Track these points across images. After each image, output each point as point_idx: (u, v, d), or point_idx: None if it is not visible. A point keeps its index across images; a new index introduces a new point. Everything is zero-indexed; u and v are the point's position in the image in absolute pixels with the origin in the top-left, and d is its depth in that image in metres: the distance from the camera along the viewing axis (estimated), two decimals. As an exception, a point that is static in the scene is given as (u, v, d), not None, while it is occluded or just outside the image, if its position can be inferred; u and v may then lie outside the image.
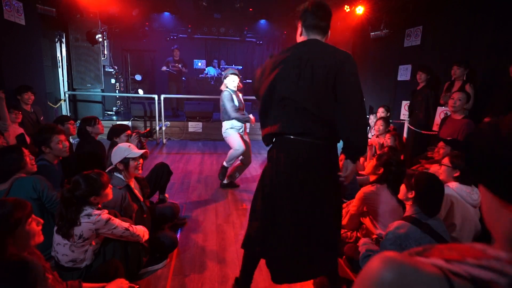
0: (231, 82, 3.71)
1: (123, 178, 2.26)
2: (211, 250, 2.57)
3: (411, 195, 1.79)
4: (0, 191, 2.01)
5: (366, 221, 2.45)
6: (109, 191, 1.95)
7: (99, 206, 1.91)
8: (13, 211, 1.36)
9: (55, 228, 1.82)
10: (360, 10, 6.20)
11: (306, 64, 1.60)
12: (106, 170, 2.22)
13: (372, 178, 2.50)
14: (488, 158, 0.41)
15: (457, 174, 2.26)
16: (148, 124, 6.97)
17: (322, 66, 1.56)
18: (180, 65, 7.76)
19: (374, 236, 2.34)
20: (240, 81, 3.80)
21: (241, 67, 9.68)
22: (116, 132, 3.02)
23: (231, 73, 3.72)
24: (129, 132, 3.08)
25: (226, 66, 9.78)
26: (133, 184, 2.38)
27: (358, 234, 2.51)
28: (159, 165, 3.11)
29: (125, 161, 2.25)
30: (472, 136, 0.44)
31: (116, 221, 1.87)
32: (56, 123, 3.29)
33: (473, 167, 0.42)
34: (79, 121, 3.77)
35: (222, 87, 3.79)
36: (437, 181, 1.78)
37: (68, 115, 6.26)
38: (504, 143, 0.39)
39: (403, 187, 1.88)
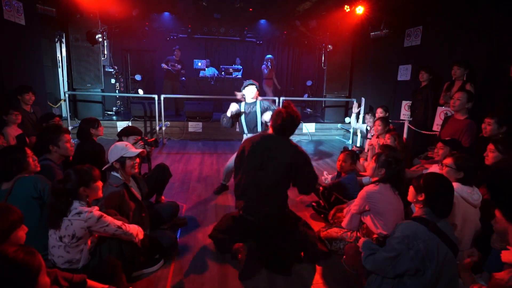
0: (249, 93, 3.61)
1: (119, 176, 2.26)
2: (211, 250, 2.57)
3: (421, 197, 1.75)
4: (3, 190, 2.03)
5: (367, 220, 2.44)
6: (99, 186, 1.95)
7: (89, 200, 1.91)
8: (8, 215, 1.39)
9: (50, 231, 1.82)
10: (360, 10, 6.20)
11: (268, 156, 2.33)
12: (103, 169, 2.22)
13: (374, 178, 2.50)
14: None
15: (461, 176, 2.23)
16: (148, 124, 6.97)
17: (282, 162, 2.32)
18: (179, 66, 7.90)
19: (375, 236, 2.33)
20: (259, 91, 3.69)
21: (241, 67, 9.67)
22: (127, 132, 2.96)
23: (249, 84, 3.62)
24: (139, 138, 3.03)
25: (227, 66, 9.76)
26: (130, 182, 2.38)
27: (358, 234, 2.51)
28: (160, 166, 3.11)
29: (122, 160, 2.25)
30: (500, 175, 0.43)
31: (109, 219, 1.85)
32: (41, 122, 3.28)
33: (502, 204, 0.42)
34: (79, 121, 3.75)
35: (239, 97, 3.73)
36: (447, 181, 1.76)
37: (68, 115, 6.26)
38: None
39: (411, 190, 1.84)
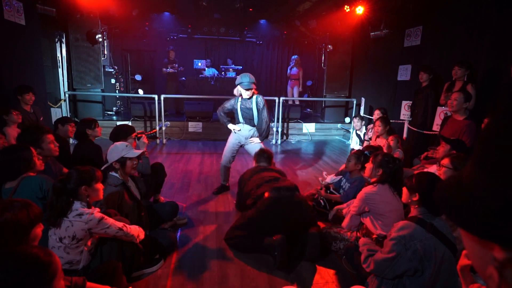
0: (245, 94, 3.50)
1: (118, 176, 2.26)
2: (211, 250, 2.58)
3: (415, 198, 1.76)
4: (8, 189, 2.02)
5: (366, 221, 2.45)
6: (100, 188, 1.95)
7: (89, 201, 1.89)
8: (30, 210, 1.39)
9: (50, 232, 1.81)
10: (360, 10, 6.20)
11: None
12: (102, 168, 2.22)
13: (373, 179, 2.50)
14: (457, 204, 0.42)
15: None
16: (148, 124, 6.97)
17: None
18: (176, 65, 7.96)
19: (374, 236, 2.34)
20: (256, 85, 3.58)
21: (241, 67, 9.66)
22: (123, 135, 2.88)
23: (246, 89, 3.45)
24: (134, 135, 2.99)
25: (227, 66, 9.76)
26: (129, 182, 2.38)
27: (358, 234, 2.51)
28: (156, 165, 3.12)
29: (122, 160, 2.25)
30: (442, 189, 0.46)
31: (110, 221, 1.85)
32: (57, 123, 3.29)
33: (449, 214, 0.43)
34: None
35: (235, 93, 3.60)
36: (438, 179, 1.77)
37: (68, 115, 6.26)
38: (465, 190, 0.40)
39: (405, 190, 1.85)
